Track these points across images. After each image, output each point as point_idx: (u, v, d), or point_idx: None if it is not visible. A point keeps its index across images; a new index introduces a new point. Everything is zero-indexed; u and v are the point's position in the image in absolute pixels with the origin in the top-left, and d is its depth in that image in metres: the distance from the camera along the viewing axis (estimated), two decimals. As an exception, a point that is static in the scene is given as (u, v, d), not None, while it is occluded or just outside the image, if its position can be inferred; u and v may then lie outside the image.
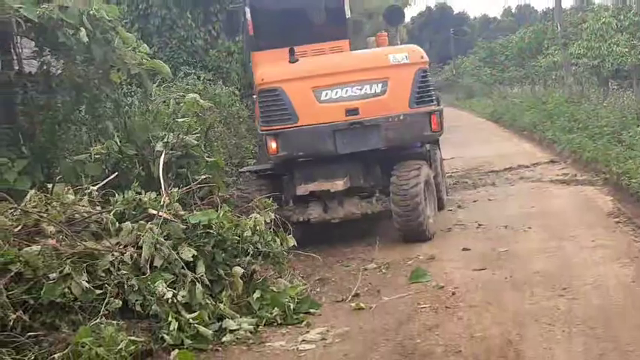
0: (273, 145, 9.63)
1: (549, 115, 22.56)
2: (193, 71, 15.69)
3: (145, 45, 8.92)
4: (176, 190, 7.45)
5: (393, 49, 9.93)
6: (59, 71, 9.44)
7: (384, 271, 8.47)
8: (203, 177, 8.22)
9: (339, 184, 9.65)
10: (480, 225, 10.37)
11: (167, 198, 7.06)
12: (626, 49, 21.19)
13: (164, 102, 10.66)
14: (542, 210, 11.05)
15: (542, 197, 12.24)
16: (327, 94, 9.59)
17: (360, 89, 9.59)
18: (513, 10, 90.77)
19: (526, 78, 38.79)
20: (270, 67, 10.02)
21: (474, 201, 12.40)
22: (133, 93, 12.08)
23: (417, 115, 9.68)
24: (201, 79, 14.78)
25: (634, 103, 19.62)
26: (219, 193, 8.27)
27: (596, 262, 7.90)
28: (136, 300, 6.13)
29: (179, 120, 9.95)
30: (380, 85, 9.61)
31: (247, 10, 10.25)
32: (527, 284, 7.33)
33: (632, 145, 13.97)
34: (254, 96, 12.07)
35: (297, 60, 9.78)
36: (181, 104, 10.13)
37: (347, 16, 9.65)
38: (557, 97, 26.07)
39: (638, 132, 14.81)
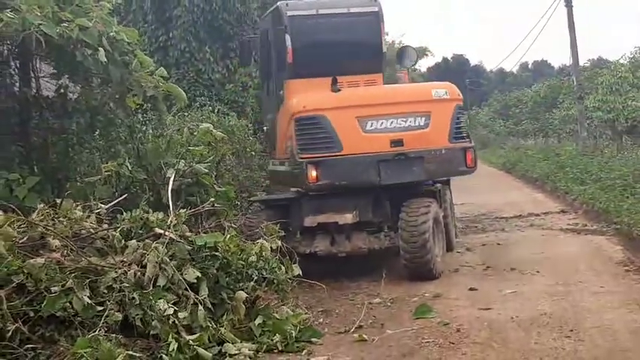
0: (314, 173, 9.44)
1: (562, 166, 22.52)
2: (209, 102, 15.80)
3: (163, 69, 8.96)
4: (184, 211, 7.41)
5: (434, 85, 10.18)
6: (75, 95, 9.53)
7: (389, 304, 8.42)
8: (212, 200, 8.17)
9: (347, 217, 9.63)
10: (487, 267, 10.31)
11: (174, 218, 7.04)
12: (642, 104, 21.27)
13: (178, 130, 10.69)
14: (551, 256, 10.94)
15: (552, 244, 12.14)
16: (372, 124, 9.66)
17: (405, 121, 9.73)
18: (530, 66, 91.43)
19: (540, 131, 38.86)
20: (311, 95, 9.93)
21: (483, 244, 12.33)
22: (147, 121, 12.16)
23: (455, 150, 9.96)
24: (216, 111, 14.85)
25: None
26: (227, 220, 8.22)
27: (604, 307, 7.78)
28: (137, 314, 6.06)
29: (192, 148, 9.97)
30: (423, 119, 9.79)
31: (287, 37, 10.16)
32: (534, 325, 7.23)
33: (645, 197, 13.88)
34: (265, 128, 12.10)
35: (340, 89, 9.86)
36: (195, 133, 10.16)
37: (383, 51, 9.83)
38: (570, 150, 26.05)
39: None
